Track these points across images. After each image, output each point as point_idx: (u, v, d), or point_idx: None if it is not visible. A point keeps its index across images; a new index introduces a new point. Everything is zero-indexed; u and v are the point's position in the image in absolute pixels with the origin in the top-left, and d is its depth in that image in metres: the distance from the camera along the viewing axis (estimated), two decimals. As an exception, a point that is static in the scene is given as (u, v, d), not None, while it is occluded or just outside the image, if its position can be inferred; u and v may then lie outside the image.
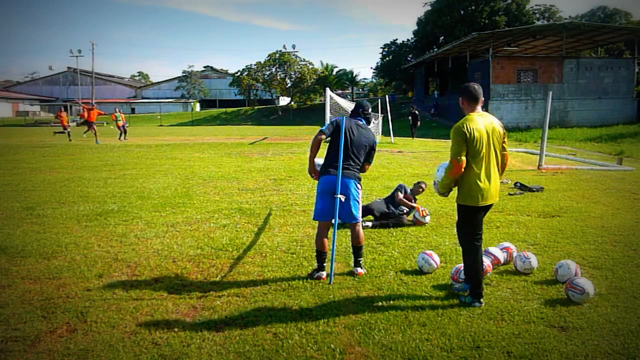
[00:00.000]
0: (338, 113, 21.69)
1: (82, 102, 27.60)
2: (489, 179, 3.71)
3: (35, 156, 15.93)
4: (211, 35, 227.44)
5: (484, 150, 3.68)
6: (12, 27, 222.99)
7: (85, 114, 24.50)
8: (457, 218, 3.95)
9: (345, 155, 4.35)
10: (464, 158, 3.64)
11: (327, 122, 4.52)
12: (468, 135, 3.61)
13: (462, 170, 3.66)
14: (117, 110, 25.15)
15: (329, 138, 4.49)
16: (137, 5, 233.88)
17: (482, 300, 3.80)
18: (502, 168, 3.91)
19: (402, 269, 4.65)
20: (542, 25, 38.00)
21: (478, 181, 3.68)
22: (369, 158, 4.57)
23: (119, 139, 24.06)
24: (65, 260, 4.89)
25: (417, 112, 27.79)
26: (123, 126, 24.39)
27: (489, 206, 3.82)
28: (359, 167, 4.46)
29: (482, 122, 3.70)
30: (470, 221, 3.81)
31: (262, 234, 5.99)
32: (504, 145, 3.86)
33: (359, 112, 4.62)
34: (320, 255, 4.44)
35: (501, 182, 4.06)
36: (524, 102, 32.99)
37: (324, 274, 4.42)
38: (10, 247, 5.30)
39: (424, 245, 5.40)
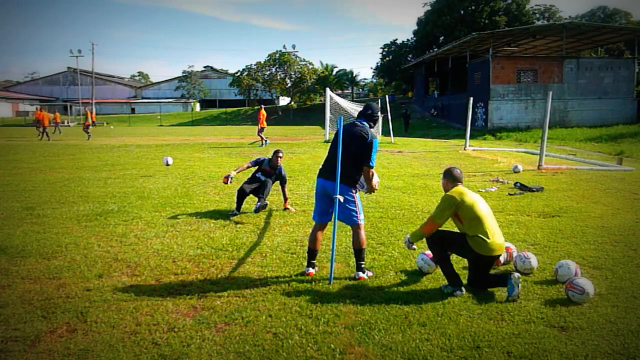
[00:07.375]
0: (338, 113, 21.67)
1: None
2: None
3: (35, 156, 15.92)
4: (211, 35, 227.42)
5: None
6: (12, 27, 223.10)
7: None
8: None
9: (334, 163, 4.32)
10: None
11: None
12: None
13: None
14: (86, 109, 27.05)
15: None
16: (137, 5, 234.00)
17: (462, 288, 4.01)
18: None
19: (402, 269, 4.65)
20: (542, 25, 38.00)
21: None
22: (364, 154, 4.33)
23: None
24: (65, 260, 4.89)
25: (406, 111, 38.18)
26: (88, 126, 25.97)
27: None
28: (352, 170, 4.36)
29: None
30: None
31: (262, 234, 5.99)
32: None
33: (367, 115, 4.53)
34: (310, 252, 4.54)
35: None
36: (524, 102, 32.98)
37: (311, 270, 4.49)
38: (10, 247, 5.30)
39: (424, 246, 5.38)
